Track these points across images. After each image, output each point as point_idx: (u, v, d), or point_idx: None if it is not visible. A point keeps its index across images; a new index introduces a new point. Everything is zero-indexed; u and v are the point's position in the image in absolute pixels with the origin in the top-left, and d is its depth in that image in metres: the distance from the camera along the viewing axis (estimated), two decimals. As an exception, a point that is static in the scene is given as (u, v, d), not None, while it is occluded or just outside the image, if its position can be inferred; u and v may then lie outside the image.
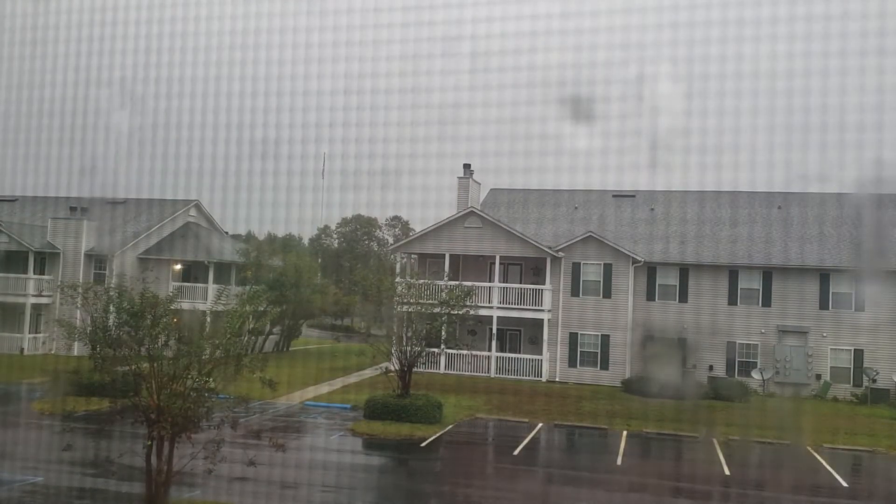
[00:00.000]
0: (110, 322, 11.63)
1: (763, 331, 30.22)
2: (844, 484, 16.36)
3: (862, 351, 29.22)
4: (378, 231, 71.03)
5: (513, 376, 30.90)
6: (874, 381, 28.49)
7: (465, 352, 30.34)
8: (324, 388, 27.37)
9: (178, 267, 37.62)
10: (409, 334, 22.24)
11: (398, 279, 26.87)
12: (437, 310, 22.41)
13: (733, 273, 30.81)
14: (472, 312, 25.37)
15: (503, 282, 32.34)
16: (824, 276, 29.87)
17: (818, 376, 29.59)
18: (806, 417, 25.20)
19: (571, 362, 31.37)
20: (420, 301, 22.94)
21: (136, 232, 37.72)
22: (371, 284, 23.83)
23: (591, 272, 31.62)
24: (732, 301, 30.72)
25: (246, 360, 11.50)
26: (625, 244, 31.96)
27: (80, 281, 28.39)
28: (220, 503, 12.85)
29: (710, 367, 30.29)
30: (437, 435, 19.62)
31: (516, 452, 18.12)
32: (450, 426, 20.81)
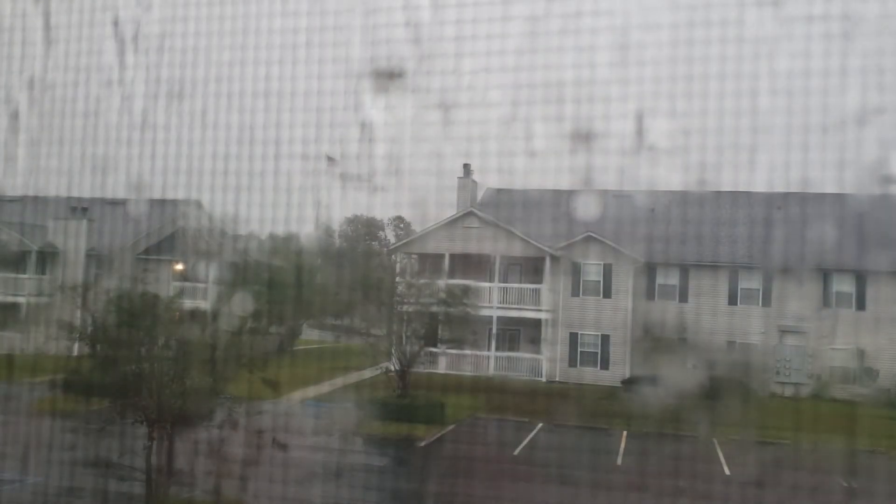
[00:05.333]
0: (109, 322, 11.66)
1: (763, 331, 30.22)
2: (844, 484, 16.37)
3: (863, 351, 29.22)
4: (381, 232, 70.95)
5: (513, 376, 30.88)
6: (875, 380, 28.49)
7: (464, 351, 30.36)
8: (324, 388, 27.38)
9: (180, 267, 37.62)
10: (409, 334, 22.28)
11: (398, 279, 26.91)
12: (434, 308, 22.46)
13: (733, 273, 30.82)
14: (469, 312, 25.39)
15: (503, 282, 32.33)
16: (825, 275, 29.88)
17: (818, 377, 29.59)
18: (807, 417, 25.20)
19: (571, 362, 31.35)
20: (419, 300, 22.97)
21: (136, 232, 37.74)
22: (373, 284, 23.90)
23: (591, 272, 31.63)
24: (732, 301, 30.72)
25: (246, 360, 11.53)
26: (625, 244, 31.93)
27: (80, 281, 28.44)
28: (220, 503, 12.85)
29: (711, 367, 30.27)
30: (438, 435, 19.64)
31: (516, 452, 18.14)
32: (450, 426, 20.83)
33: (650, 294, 31.44)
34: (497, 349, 31.48)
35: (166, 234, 38.45)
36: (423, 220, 30.16)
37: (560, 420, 22.44)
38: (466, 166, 35.34)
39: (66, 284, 24.95)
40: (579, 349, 31.37)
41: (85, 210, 36.85)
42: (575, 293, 31.62)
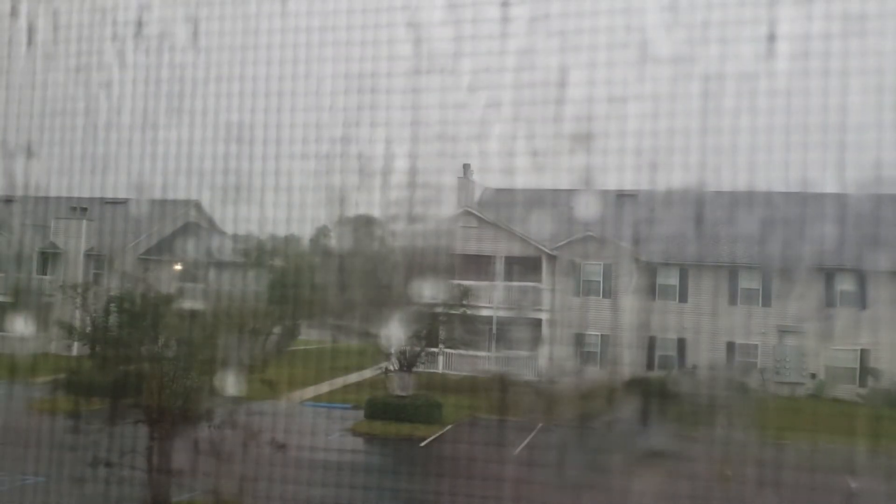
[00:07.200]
0: (110, 322, 11.67)
1: (763, 331, 30.20)
2: (847, 484, 16.37)
3: (863, 351, 29.21)
4: (380, 231, 70.54)
5: (512, 376, 30.85)
6: (877, 380, 28.47)
7: (464, 352, 30.33)
8: (324, 388, 27.38)
9: (180, 267, 37.59)
10: (409, 334, 22.30)
11: (397, 279, 26.90)
12: (435, 309, 22.49)
13: (733, 273, 30.81)
14: (469, 312, 25.44)
15: (503, 281, 32.32)
16: (825, 275, 29.87)
17: (812, 375, 29.57)
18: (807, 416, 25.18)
19: (572, 362, 31.33)
20: (420, 301, 22.99)
21: (136, 232, 37.73)
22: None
23: (591, 272, 31.63)
24: (732, 301, 30.72)
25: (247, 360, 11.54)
26: (625, 244, 31.93)
27: (80, 281, 28.45)
28: (221, 503, 12.85)
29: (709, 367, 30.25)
30: (437, 435, 19.65)
31: (516, 452, 18.14)
32: (450, 426, 20.83)
33: (650, 294, 31.43)
34: (497, 349, 31.46)
35: (167, 234, 38.47)
36: (422, 219, 30.15)
37: (560, 420, 22.43)
38: (466, 166, 35.32)
39: (67, 284, 24.96)
40: (579, 349, 31.37)
41: (85, 210, 36.87)
42: (575, 293, 31.62)
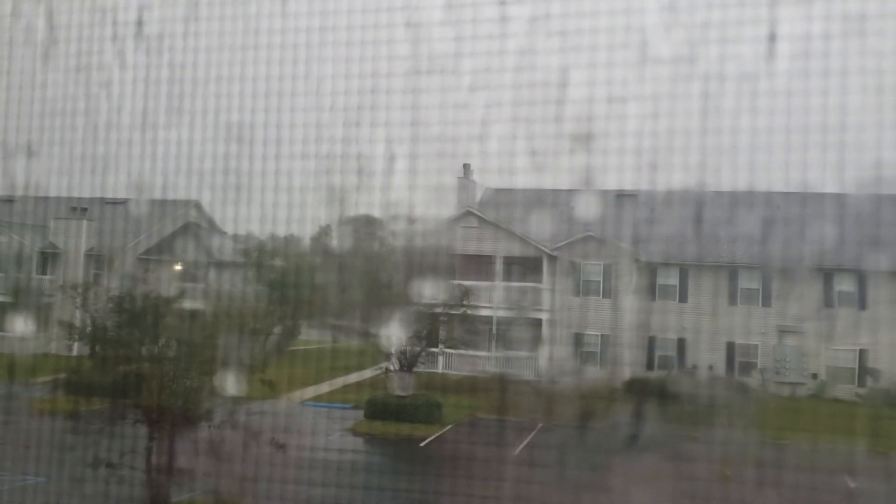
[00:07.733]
0: (110, 322, 11.67)
1: (763, 331, 30.20)
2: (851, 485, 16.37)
3: (862, 351, 29.20)
4: (381, 231, 70.48)
5: (512, 376, 30.86)
6: (876, 380, 28.47)
7: (464, 351, 30.32)
8: (324, 388, 27.38)
9: (180, 267, 37.60)
10: (410, 334, 22.30)
11: (398, 279, 26.92)
12: (436, 309, 22.48)
13: (733, 273, 30.81)
14: (469, 312, 25.43)
15: (503, 281, 32.31)
16: (825, 275, 29.87)
17: (814, 375, 29.57)
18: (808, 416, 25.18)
19: (572, 362, 31.35)
20: (420, 301, 22.99)
21: (136, 232, 37.74)
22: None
23: (591, 272, 31.62)
24: (732, 301, 30.71)
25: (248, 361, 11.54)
26: (625, 244, 31.92)
27: (80, 281, 28.45)
28: (221, 503, 12.85)
29: (710, 367, 30.29)
30: (437, 435, 19.65)
31: (516, 452, 18.14)
32: (450, 426, 20.83)
33: (650, 294, 31.43)
34: (497, 349, 31.47)
35: (167, 234, 38.47)
36: (422, 219, 30.18)
37: (560, 420, 22.43)
38: (466, 166, 35.33)
39: (67, 284, 24.98)
40: (579, 349, 31.37)
41: (85, 210, 36.89)
42: (575, 293, 31.61)
